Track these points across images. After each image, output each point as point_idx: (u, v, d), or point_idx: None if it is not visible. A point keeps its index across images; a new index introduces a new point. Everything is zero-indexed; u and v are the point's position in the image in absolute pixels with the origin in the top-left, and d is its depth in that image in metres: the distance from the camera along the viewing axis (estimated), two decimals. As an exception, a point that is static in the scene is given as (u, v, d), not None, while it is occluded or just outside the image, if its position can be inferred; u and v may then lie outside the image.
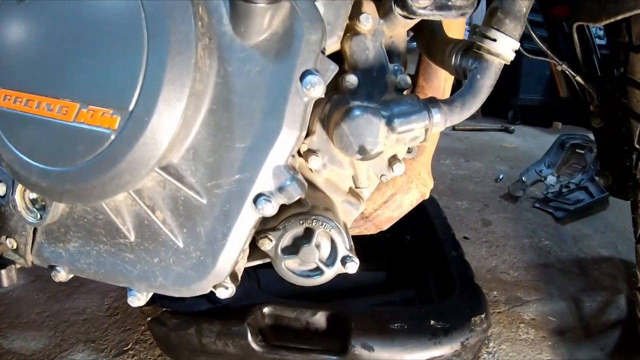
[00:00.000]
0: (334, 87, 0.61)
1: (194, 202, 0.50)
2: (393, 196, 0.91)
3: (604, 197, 2.20)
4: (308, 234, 0.57)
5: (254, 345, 0.94)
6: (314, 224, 0.55)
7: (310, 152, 0.60)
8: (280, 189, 0.48)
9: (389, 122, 0.56)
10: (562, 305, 1.42)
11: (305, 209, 0.57)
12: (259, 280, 1.07)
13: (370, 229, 0.92)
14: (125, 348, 1.21)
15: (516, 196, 2.25)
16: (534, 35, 0.92)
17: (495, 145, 3.25)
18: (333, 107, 0.59)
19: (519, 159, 2.88)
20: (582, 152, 2.41)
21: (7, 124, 0.52)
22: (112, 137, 0.45)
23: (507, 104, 3.84)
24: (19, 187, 0.58)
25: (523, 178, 2.29)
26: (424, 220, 1.35)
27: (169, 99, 0.44)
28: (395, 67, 0.62)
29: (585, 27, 1.09)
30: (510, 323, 1.32)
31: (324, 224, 0.55)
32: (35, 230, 0.61)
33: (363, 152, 0.56)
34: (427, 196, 0.95)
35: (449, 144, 3.13)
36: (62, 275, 0.60)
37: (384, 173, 0.64)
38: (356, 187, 0.62)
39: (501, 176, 2.51)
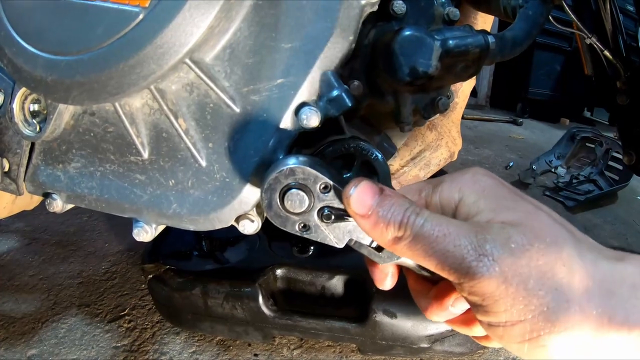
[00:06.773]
0: (380, 16, 0.56)
1: (225, 111, 0.43)
2: (421, 153, 0.84)
3: (614, 190, 2.18)
4: (348, 163, 0.50)
5: (264, 309, 0.87)
6: (356, 150, 0.48)
7: (351, 77, 0.54)
8: (328, 98, 0.41)
9: (444, 43, 0.50)
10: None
11: (345, 136, 0.50)
12: (270, 243, 1.00)
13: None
14: (122, 313, 1.15)
15: (526, 183, 2.20)
16: (566, 5, 0.88)
17: (504, 135, 3.21)
18: (379, 33, 0.54)
19: (527, 150, 2.84)
20: (592, 145, 2.38)
21: (17, 13, 0.44)
22: (141, 16, 0.38)
23: (516, 97, 3.80)
24: (19, 95, 0.50)
25: (533, 166, 2.25)
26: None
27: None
28: (443, 0, 0.58)
29: (613, 4, 1.08)
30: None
31: (369, 151, 0.49)
32: (32, 149, 0.53)
33: (414, 74, 0.49)
34: (455, 157, 0.89)
35: (457, 132, 3.07)
36: (57, 204, 0.51)
37: (427, 109, 0.58)
38: (397, 122, 0.56)
39: (511, 163, 2.47)
